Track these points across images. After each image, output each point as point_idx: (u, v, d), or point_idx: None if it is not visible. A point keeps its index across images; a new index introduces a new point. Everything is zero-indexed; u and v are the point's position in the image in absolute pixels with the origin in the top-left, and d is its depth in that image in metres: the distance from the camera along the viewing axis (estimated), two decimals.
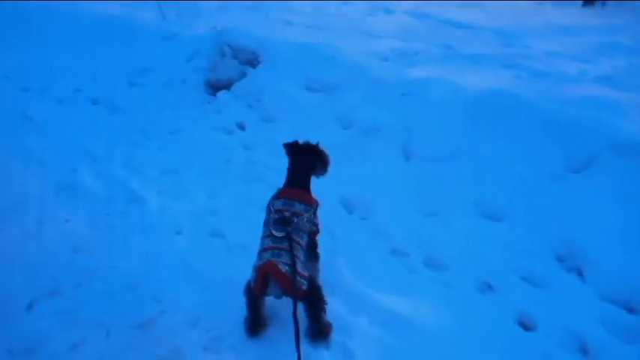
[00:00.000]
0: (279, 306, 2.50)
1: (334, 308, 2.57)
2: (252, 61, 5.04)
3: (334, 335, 2.43)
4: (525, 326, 2.57)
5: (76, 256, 3.05)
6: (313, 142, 2.71)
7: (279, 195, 2.58)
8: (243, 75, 4.99)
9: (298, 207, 2.50)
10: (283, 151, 2.71)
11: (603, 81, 4.92)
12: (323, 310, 2.35)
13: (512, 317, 2.62)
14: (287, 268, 2.23)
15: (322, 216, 3.46)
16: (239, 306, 2.44)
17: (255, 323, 2.44)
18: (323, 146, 2.71)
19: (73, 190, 3.76)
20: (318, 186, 3.65)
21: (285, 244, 2.32)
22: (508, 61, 5.72)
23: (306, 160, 2.64)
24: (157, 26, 6.45)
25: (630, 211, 2.88)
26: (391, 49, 6.09)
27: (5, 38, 6.74)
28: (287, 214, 2.44)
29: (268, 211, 2.54)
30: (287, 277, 2.21)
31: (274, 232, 2.37)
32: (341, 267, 2.92)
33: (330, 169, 2.74)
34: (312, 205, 2.58)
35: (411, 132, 3.96)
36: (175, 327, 2.52)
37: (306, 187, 2.63)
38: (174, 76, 5.48)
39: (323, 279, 2.80)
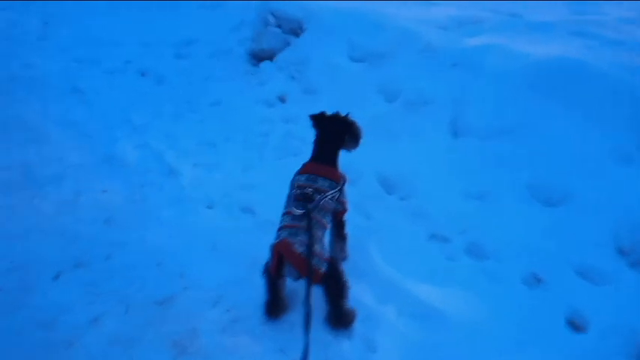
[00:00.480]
0: (302, 289, 2.34)
1: (360, 295, 2.41)
2: (297, 30, 4.82)
3: (358, 324, 2.25)
4: (576, 326, 2.28)
5: (107, 227, 3.04)
6: (343, 112, 2.50)
7: (303, 170, 2.41)
8: (287, 44, 4.79)
9: (322, 183, 2.32)
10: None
11: None
12: (344, 295, 2.17)
13: (562, 315, 2.34)
14: (303, 248, 2.07)
15: (358, 195, 3.28)
16: (263, 286, 2.31)
17: (275, 306, 2.32)
18: (353, 117, 2.49)
19: (113, 160, 3.76)
20: (356, 162, 3.45)
21: (304, 223, 2.15)
22: (579, 28, 5.11)
23: (334, 133, 2.44)
24: None
25: None
26: (450, 17, 5.62)
27: (59, 14, 6.90)
28: (309, 190, 2.26)
29: (291, 187, 2.38)
30: (301, 258, 2.05)
31: (293, 210, 2.20)
32: (372, 251, 2.73)
33: (361, 142, 2.53)
34: (338, 181, 2.38)
35: (461, 105, 3.62)
36: (195, 305, 2.45)
37: (333, 162, 2.43)
38: (219, 47, 5.38)
39: (352, 262, 2.64)
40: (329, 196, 2.31)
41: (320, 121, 2.47)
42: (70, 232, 2.96)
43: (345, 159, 3.04)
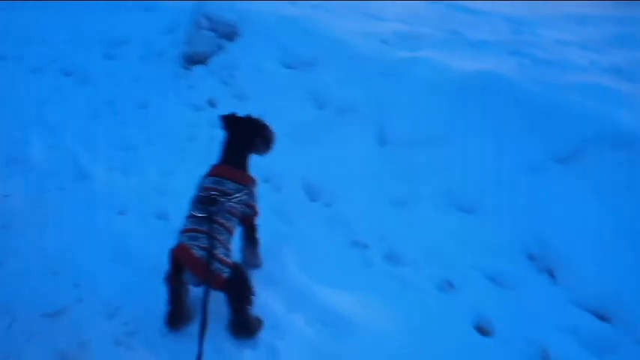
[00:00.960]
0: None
1: (270, 302, 2.30)
2: (231, 35, 4.71)
3: (263, 333, 2.14)
4: (483, 330, 2.27)
5: (3, 233, 2.80)
6: (259, 115, 2.42)
7: (210, 172, 2.29)
8: (220, 48, 4.67)
9: (229, 186, 2.22)
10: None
11: (612, 72, 4.48)
12: (248, 302, 2.06)
13: (470, 320, 2.33)
14: (203, 252, 1.95)
15: (281, 201, 3.19)
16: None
17: (176, 316, 2.17)
18: (266, 120, 2.40)
19: (21, 162, 3.51)
20: (281, 168, 3.38)
21: (206, 227, 2.03)
22: (514, 48, 5.25)
23: (244, 135, 2.33)
24: None
25: (614, 209, 2.53)
26: (393, 32, 5.62)
27: None
28: (214, 193, 2.15)
29: (197, 190, 2.26)
30: (200, 263, 1.93)
31: (195, 213, 2.09)
32: (288, 258, 2.62)
33: (273, 146, 2.43)
34: (246, 184, 2.28)
35: (388, 114, 3.62)
36: (90, 317, 2.25)
37: (243, 164, 2.33)
38: (152, 49, 5.19)
39: (265, 269, 2.54)
40: (235, 200, 2.20)
41: (231, 122, 2.36)
42: None
43: (270, 165, 2.95)
